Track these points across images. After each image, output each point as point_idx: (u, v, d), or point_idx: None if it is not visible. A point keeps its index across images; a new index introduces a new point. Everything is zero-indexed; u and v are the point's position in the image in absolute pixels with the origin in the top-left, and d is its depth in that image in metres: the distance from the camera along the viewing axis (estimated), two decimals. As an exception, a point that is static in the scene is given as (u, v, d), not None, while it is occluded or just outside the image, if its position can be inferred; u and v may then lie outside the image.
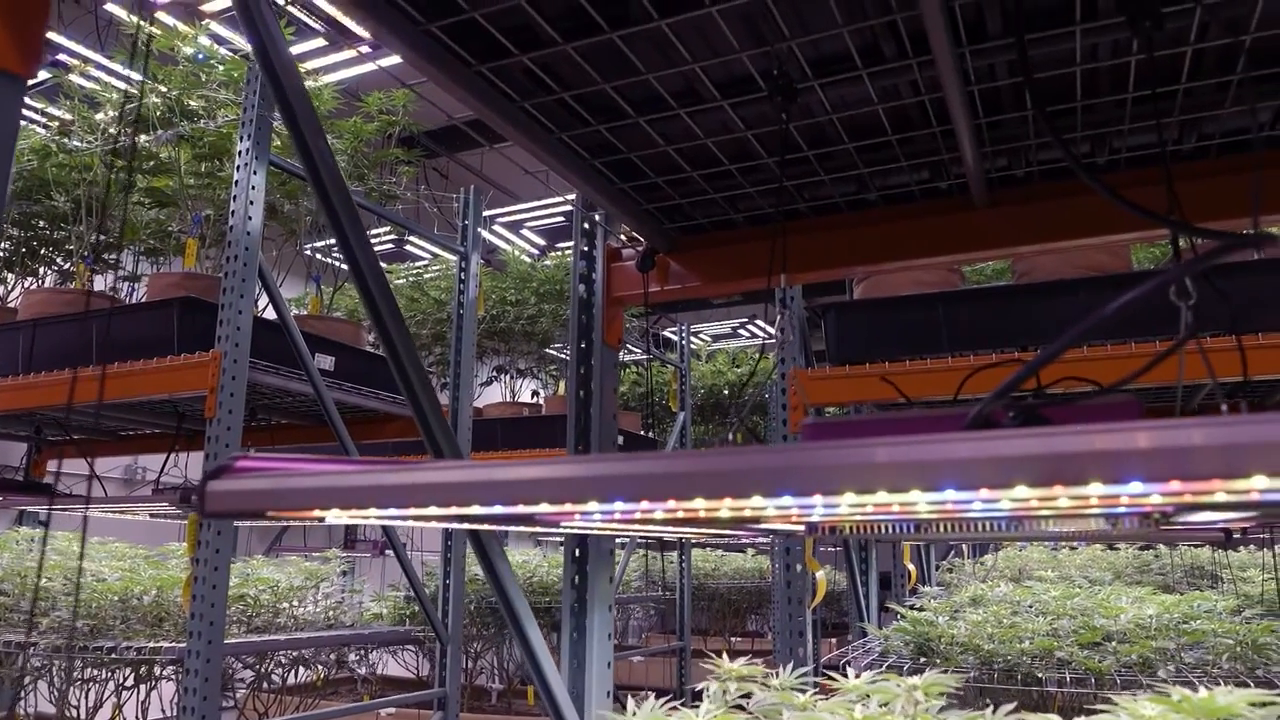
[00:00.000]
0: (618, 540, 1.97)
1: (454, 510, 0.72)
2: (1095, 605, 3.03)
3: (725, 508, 0.74)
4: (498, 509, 0.67)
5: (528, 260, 6.84)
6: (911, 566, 4.98)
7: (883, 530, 1.07)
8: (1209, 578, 4.89)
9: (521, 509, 0.67)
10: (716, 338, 12.55)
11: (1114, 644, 2.68)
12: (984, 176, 1.68)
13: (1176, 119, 1.51)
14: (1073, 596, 3.22)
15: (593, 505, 0.67)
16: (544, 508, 0.66)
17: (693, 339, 7.56)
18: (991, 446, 0.50)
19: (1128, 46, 1.33)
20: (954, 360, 2.84)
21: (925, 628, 2.91)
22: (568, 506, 0.66)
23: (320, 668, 4.57)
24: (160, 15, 4.03)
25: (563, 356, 7.38)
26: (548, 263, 6.76)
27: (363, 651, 5.25)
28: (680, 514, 0.81)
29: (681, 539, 6.83)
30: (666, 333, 7.05)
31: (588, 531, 1.17)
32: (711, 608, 9.08)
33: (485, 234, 4.56)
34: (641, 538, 7.55)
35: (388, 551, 6.10)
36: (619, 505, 0.64)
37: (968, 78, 1.41)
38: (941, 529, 1.02)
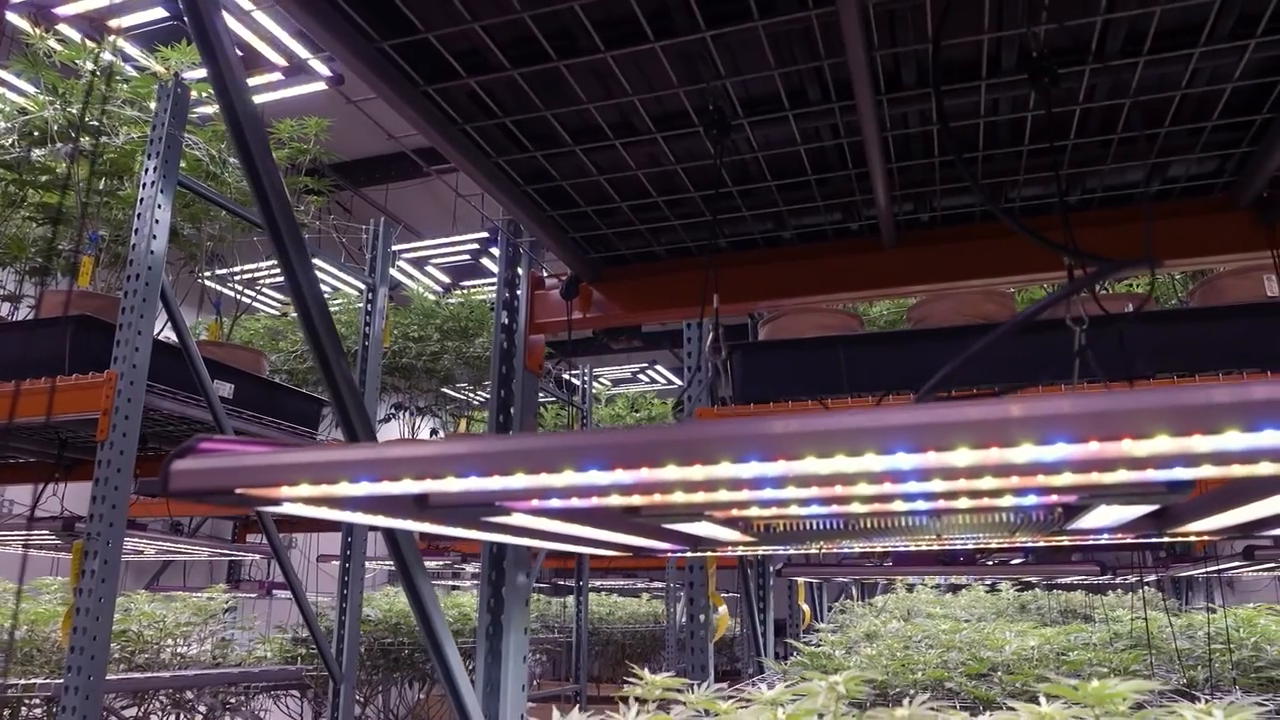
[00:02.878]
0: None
1: (427, 485, 0.75)
2: (981, 639, 3.17)
3: (680, 489, 0.79)
4: (473, 480, 0.71)
5: (432, 297, 6.80)
6: (806, 607, 5.09)
7: (813, 526, 1.13)
8: (1081, 617, 5.17)
9: (496, 481, 0.71)
10: (617, 382, 12.64)
11: (1000, 674, 2.81)
12: (893, 219, 1.80)
13: (1065, 172, 1.66)
14: (960, 630, 3.37)
15: (562, 479, 0.71)
16: (519, 478, 0.70)
17: (594, 383, 7.62)
18: (941, 412, 0.57)
19: (1025, 103, 1.47)
20: (854, 400, 2.97)
21: (823, 661, 3.00)
22: (541, 479, 0.70)
23: (199, 716, 4.35)
24: (63, 28, 3.92)
25: (461, 396, 7.32)
26: (452, 300, 6.73)
27: (243, 696, 5.02)
28: (635, 498, 0.85)
29: (581, 583, 6.81)
30: (568, 375, 7.10)
31: (528, 532, 1.20)
32: (606, 653, 9.02)
33: (390, 269, 4.55)
34: (540, 581, 7.47)
35: (274, 592, 5.88)
36: (591, 474, 0.68)
37: (884, 124, 1.52)
38: (868, 524, 1.10)
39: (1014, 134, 1.57)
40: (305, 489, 0.77)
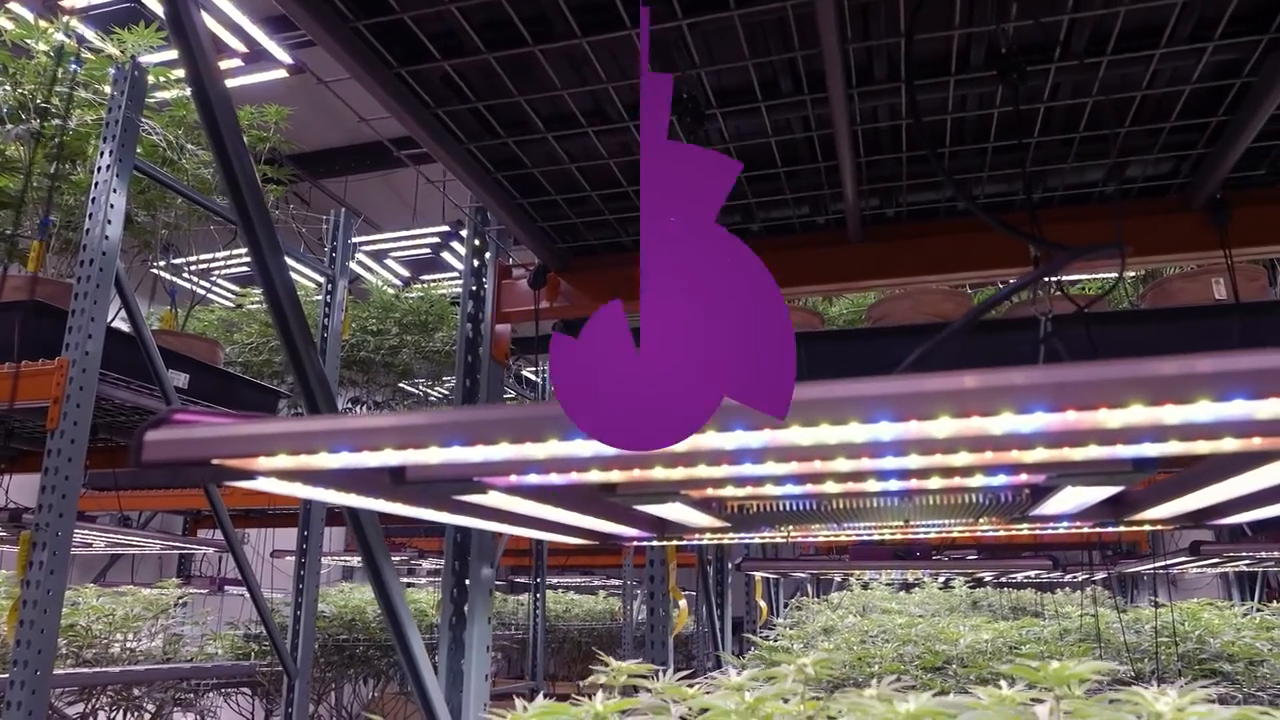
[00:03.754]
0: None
1: (407, 455, 0.74)
2: (937, 633, 3.22)
3: (661, 463, 0.80)
4: (453, 450, 0.71)
5: (391, 291, 6.74)
6: (763, 604, 5.13)
7: (785, 508, 1.14)
8: (1031, 613, 5.27)
9: (478, 451, 0.71)
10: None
11: (955, 667, 2.86)
12: (860, 214, 1.82)
13: (1028, 169, 1.70)
14: (916, 625, 3.42)
15: (545, 449, 0.71)
16: (501, 449, 0.70)
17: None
18: (927, 381, 0.58)
19: (991, 99, 1.50)
20: (816, 396, 3.01)
21: (781, 656, 3.02)
22: (525, 449, 0.70)
23: (148, 714, 4.27)
24: (15, 6, 3.82)
25: (418, 391, 7.26)
26: (412, 294, 6.67)
27: (193, 694, 4.93)
28: (614, 474, 0.86)
29: (538, 579, 6.79)
30: (526, 373, 7.08)
31: (499, 514, 1.20)
32: (562, 651, 9.00)
33: (349, 262, 4.53)
34: (497, 579, 7.41)
35: (226, 588, 5.78)
36: (574, 444, 0.68)
37: (854, 118, 1.54)
38: (840, 506, 1.11)
39: (979, 130, 1.60)
40: (283, 460, 0.76)
